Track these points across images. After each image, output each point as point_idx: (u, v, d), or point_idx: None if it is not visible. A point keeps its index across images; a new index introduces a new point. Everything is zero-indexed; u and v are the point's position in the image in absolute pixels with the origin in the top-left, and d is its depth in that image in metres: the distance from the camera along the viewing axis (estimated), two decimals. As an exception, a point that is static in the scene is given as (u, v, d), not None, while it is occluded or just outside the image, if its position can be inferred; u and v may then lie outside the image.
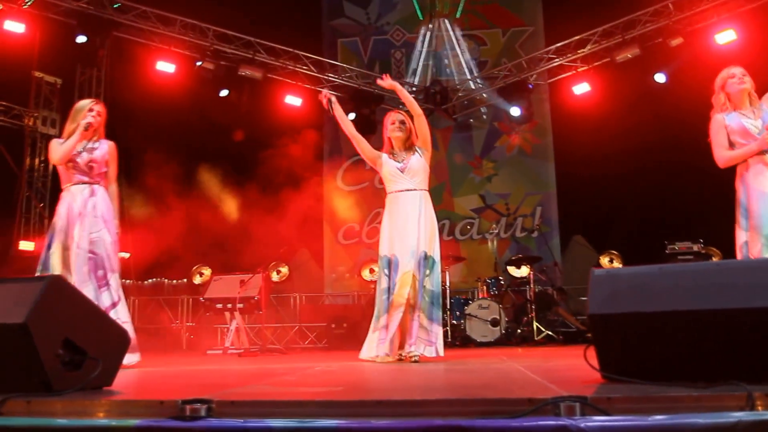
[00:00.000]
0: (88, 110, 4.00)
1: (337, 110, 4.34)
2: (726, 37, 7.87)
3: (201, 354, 6.71)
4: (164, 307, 9.00)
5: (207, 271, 8.99)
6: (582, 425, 1.48)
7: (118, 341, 2.19)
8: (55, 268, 3.74)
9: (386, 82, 4.34)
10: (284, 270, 9.29)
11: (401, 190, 4.16)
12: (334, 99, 4.35)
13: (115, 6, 8.60)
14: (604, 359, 1.97)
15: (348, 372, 3.03)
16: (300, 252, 10.08)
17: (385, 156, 4.28)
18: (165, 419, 1.60)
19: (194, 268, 9.10)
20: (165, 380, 2.74)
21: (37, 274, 3.70)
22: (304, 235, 9.53)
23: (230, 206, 9.38)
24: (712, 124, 3.83)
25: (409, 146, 4.25)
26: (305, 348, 8.11)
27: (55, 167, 9.75)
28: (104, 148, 4.05)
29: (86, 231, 3.81)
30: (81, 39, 8.13)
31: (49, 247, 3.81)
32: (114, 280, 3.84)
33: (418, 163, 4.19)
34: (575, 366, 2.81)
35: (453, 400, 1.69)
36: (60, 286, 2.01)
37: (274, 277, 9.06)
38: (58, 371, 1.88)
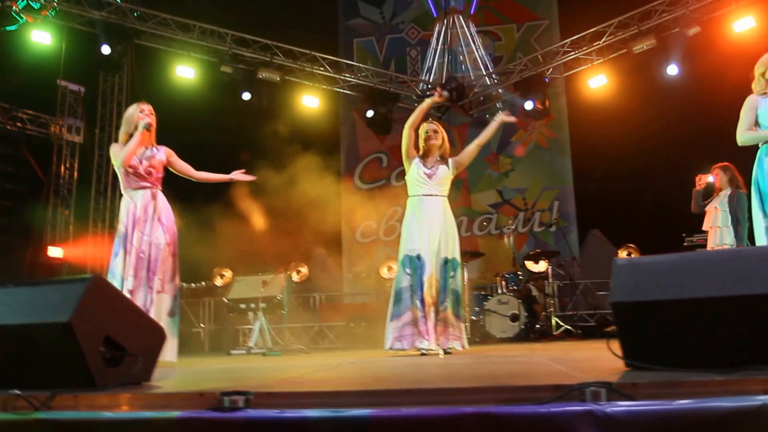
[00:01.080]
0: (140, 111, 4.07)
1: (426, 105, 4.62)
2: (744, 24, 7.74)
3: (225, 355, 6.82)
4: (186, 310, 9.13)
5: (228, 273, 9.10)
6: (608, 410, 1.52)
7: (155, 338, 2.28)
8: (117, 272, 3.84)
9: (509, 118, 4.90)
10: (304, 270, 9.39)
11: (426, 195, 4.40)
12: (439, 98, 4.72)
13: (135, 15, 8.77)
14: (628, 347, 2.00)
15: (375, 366, 3.10)
16: (318, 251, 10.14)
17: (417, 159, 4.52)
18: (205, 410, 1.67)
19: (215, 270, 9.22)
20: (200, 375, 2.83)
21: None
22: (322, 234, 9.61)
23: (248, 208, 9.48)
24: (745, 102, 3.78)
25: (441, 155, 4.52)
26: (326, 347, 8.18)
27: (81, 175, 10.09)
28: (161, 155, 4.14)
29: (145, 235, 3.91)
30: (106, 50, 8.30)
31: (115, 254, 3.92)
32: (156, 281, 3.88)
33: (445, 174, 4.47)
34: (597, 357, 2.85)
35: (481, 388, 1.74)
36: (100, 287, 2.10)
37: (294, 277, 9.16)
38: (100, 367, 1.97)
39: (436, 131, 4.53)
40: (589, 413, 1.52)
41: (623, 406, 1.51)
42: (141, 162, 4.03)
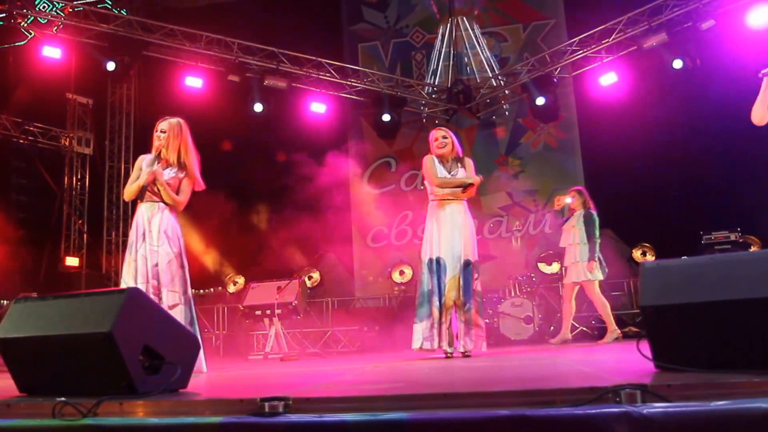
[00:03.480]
0: (155, 131, 4.12)
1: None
2: (761, 16, 7.53)
3: (242, 360, 6.87)
4: (200, 316, 9.18)
5: (240, 280, 9.17)
6: (644, 411, 1.54)
7: (190, 347, 2.32)
8: (126, 280, 3.92)
9: None
10: (315, 276, 9.44)
11: (447, 198, 4.52)
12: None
13: (141, 27, 8.86)
14: (658, 349, 2.01)
15: (401, 370, 3.12)
16: (328, 257, 10.18)
17: (436, 160, 4.63)
18: (246, 416, 1.71)
19: (228, 276, 9.28)
20: (234, 382, 2.87)
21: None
22: (333, 239, 9.65)
23: (258, 215, 9.54)
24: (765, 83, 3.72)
25: (455, 158, 4.64)
26: (340, 352, 8.21)
27: (92, 185, 10.19)
28: (176, 173, 4.08)
29: (150, 245, 3.96)
30: (110, 66, 8.39)
31: (126, 262, 4.02)
32: (165, 294, 3.92)
33: (464, 177, 4.57)
34: (623, 358, 2.86)
35: (516, 391, 1.76)
36: (138, 298, 2.16)
37: (306, 282, 9.20)
38: (140, 375, 2.02)
39: (444, 137, 4.64)
40: (626, 415, 1.54)
41: (659, 407, 1.53)
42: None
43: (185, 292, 4.01)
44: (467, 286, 4.33)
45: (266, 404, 1.69)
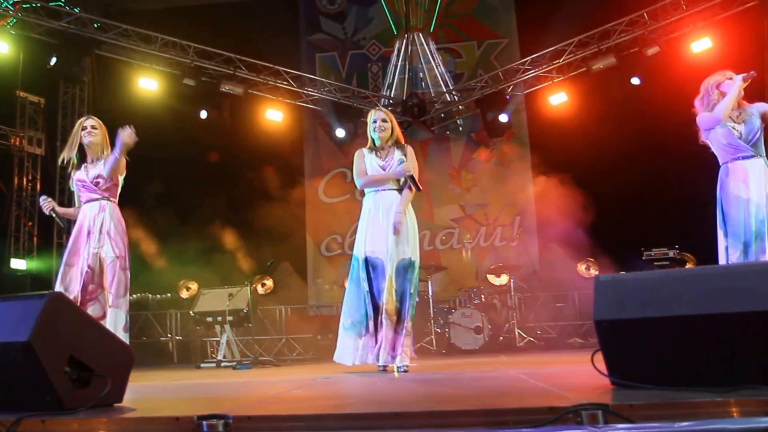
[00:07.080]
0: (82, 129, 3.99)
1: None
2: (702, 45, 8.01)
3: (194, 368, 6.70)
4: (153, 322, 8.92)
5: (194, 286, 8.95)
6: (606, 433, 1.49)
7: (123, 357, 2.15)
8: (57, 284, 3.75)
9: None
10: (269, 283, 9.33)
11: (382, 190, 3.97)
12: None
13: (96, 25, 8.54)
14: (613, 365, 1.98)
15: (352, 382, 3.03)
16: (282, 265, 10.05)
17: (366, 151, 4.07)
18: (183, 437, 1.59)
19: (181, 282, 9.04)
20: (174, 394, 2.71)
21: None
22: (287, 248, 9.52)
23: (213, 220, 9.34)
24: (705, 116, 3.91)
25: (391, 145, 4.02)
26: (294, 360, 8.08)
27: (43, 186, 9.73)
28: (109, 160, 3.93)
29: (93, 248, 3.82)
30: (52, 61, 8.08)
31: (60, 265, 3.86)
32: (103, 296, 3.79)
33: (399, 161, 3.95)
34: (576, 372, 2.84)
35: (473, 410, 1.70)
36: (61, 303, 1.97)
37: (260, 289, 9.10)
38: (67, 389, 1.85)
39: (384, 120, 4.01)
40: (587, 436, 1.49)
41: (621, 428, 1.47)
42: (87, 174, 3.95)
43: (124, 294, 3.87)
44: (403, 289, 3.78)
45: (204, 423, 1.57)
